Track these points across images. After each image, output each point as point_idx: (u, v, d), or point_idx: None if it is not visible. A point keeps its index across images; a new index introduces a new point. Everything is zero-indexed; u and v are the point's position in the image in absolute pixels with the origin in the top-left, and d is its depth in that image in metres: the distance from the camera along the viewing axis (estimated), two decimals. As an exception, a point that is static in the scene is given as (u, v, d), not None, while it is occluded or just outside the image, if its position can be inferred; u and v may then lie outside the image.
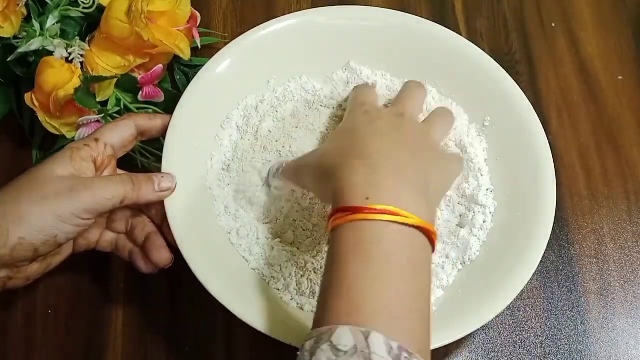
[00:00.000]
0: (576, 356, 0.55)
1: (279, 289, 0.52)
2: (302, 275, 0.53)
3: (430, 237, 0.42)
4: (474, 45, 0.59)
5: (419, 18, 0.60)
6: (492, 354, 0.55)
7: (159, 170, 0.58)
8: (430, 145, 0.50)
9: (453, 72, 0.59)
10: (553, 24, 0.69)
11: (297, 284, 0.52)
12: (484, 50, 0.58)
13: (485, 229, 0.54)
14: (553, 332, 0.56)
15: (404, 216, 0.41)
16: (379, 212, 0.41)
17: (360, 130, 0.48)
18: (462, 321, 0.49)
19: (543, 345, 0.55)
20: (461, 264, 0.53)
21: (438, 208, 0.55)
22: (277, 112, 0.59)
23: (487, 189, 0.55)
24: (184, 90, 0.56)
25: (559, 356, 0.55)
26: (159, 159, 0.59)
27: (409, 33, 0.59)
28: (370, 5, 0.69)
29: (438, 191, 0.49)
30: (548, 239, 0.51)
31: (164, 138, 0.60)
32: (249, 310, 0.49)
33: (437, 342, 0.48)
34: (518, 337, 0.56)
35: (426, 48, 0.59)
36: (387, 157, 0.44)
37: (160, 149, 0.60)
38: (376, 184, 0.42)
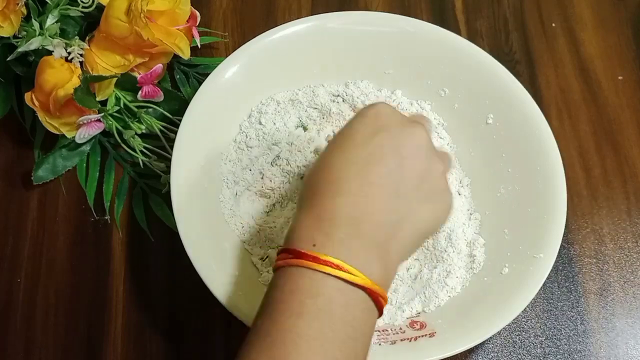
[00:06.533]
0: (576, 356, 0.55)
1: None
2: None
3: (377, 300, 0.38)
4: (474, 45, 0.59)
5: (417, 20, 0.60)
6: (492, 354, 0.55)
7: (160, 168, 0.58)
8: (430, 182, 0.42)
9: (456, 72, 0.59)
10: (553, 24, 0.69)
11: None
12: (483, 50, 0.59)
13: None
14: (553, 332, 0.56)
15: (350, 273, 0.37)
16: (321, 263, 0.37)
17: (347, 150, 0.41)
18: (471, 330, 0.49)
19: (543, 345, 0.55)
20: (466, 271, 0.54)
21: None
22: (285, 120, 0.59)
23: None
24: (193, 95, 0.56)
25: (558, 356, 0.55)
26: (160, 158, 0.59)
27: (410, 37, 0.60)
28: (371, 6, 0.69)
29: (408, 245, 0.42)
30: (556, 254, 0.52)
31: (164, 137, 0.61)
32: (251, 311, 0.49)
33: (443, 353, 0.48)
34: (518, 337, 0.56)
35: (428, 50, 0.59)
36: (353, 202, 0.39)
37: (161, 147, 0.60)
38: (327, 233, 0.38)
